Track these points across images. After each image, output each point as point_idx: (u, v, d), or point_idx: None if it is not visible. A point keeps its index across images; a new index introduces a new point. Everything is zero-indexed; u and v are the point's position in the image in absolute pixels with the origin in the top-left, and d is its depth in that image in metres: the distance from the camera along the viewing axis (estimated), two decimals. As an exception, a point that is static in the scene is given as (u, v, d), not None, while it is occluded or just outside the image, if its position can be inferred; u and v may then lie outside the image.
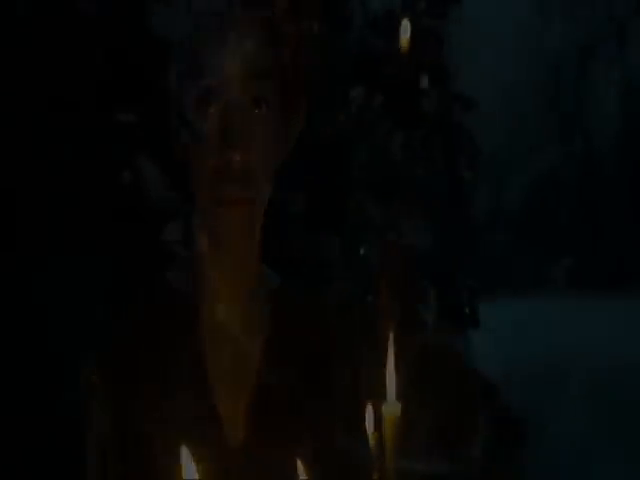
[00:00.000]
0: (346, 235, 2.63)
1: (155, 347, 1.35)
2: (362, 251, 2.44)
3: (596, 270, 19.90)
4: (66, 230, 2.55)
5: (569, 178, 21.60)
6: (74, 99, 2.57)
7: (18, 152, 2.52)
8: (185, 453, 0.91)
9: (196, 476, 0.91)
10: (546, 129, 22.22)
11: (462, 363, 2.50)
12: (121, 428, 1.33)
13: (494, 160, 22.09)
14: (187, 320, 1.36)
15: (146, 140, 2.48)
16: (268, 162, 1.34)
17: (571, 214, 20.68)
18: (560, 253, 19.34)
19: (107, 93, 2.53)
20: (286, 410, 1.37)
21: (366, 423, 1.07)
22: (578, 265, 20.47)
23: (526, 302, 18.45)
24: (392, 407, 1.11)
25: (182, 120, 1.33)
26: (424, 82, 2.90)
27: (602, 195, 21.14)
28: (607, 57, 22.37)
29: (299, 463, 0.98)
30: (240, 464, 1.32)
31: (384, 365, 1.10)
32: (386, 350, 1.10)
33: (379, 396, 1.14)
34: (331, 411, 1.39)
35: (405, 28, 2.82)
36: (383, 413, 1.08)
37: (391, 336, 1.08)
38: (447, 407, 2.46)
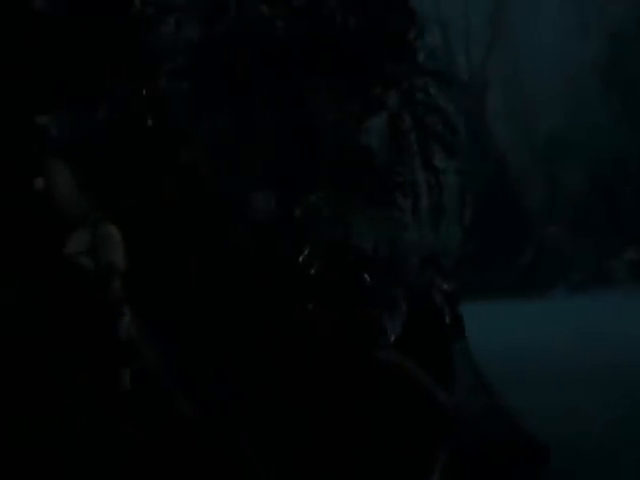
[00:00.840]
0: (295, 236, 2.30)
1: None
2: (306, 252, 2.08)
3: (661, 263, 19.21)
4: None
5: (632, 164, 20.91)
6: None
7: None
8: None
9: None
10: (609, 112, 21.57)
11: (419, 387, 2.13)
12: None
13: (553, 146, 21.49)
14: None
15: (60, 142, 2.27)
16: None
17: (634, 204, 19.99)
18: (623, 245, 18.68)
19: (25, 94, 2.32)
20: None
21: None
22: (642, 258, 19.75)
23: (588, 296, 17.81)
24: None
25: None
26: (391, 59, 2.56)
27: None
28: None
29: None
30: None
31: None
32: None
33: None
34: None
35: None
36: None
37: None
38: (401, 433, 2.09)
